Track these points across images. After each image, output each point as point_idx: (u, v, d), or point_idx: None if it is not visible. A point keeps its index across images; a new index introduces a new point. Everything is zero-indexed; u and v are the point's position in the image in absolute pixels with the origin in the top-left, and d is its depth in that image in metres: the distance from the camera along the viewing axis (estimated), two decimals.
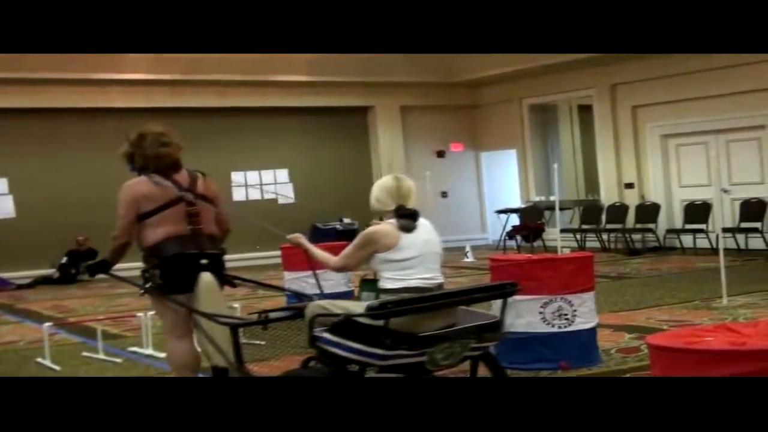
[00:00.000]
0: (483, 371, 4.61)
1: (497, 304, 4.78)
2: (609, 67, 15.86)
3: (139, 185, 5.19)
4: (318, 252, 4.95)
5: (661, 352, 2.97)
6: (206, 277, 5.01)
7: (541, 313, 6.13)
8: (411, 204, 4.55)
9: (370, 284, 4.56)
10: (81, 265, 14.58)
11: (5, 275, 14.99)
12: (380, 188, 4.63)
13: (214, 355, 4.88)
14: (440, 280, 4.57)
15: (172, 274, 5.03)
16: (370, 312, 4.08)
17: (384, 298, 4.36)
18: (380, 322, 4.05)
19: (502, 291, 4.50)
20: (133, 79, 15.76)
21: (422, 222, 4.60)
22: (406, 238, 4.45)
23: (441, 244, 4.66)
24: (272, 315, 4.96)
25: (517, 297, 6.06)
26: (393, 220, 4.51)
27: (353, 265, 4.66)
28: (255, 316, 5.00)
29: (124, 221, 5.15)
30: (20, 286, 14.73)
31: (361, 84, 17.59)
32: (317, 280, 5.55)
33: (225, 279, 5.31)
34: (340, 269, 4.74)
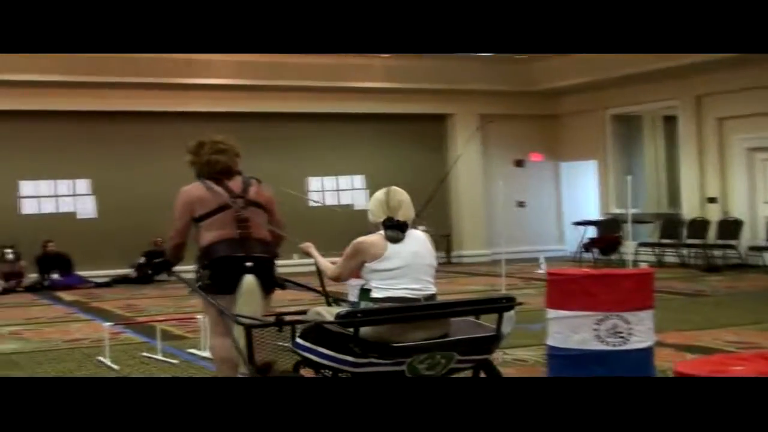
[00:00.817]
0: None
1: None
2: (694, 77, 15.39)
3: (193, 190, 5.43)
4: (321, 261, 5.16)
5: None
6: (249, 279, 5.11)
7: (595, 329, 5.94)
8: (401, 216, 4.68)
9: (368, 293, 4.64)
10: (151, 263, 14.95)
11: (85, 273, 15.40)
12: (373, 201, 4.84)
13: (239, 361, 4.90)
14: (431, 291, 4.64)
15: (219, 275, 5.19)
16: (338, 320, 4.25)
17: (365, 306, 4.52)
18: (350, 330, 4.19)
19: (493, 306, 4.58)
20: (217, 83, 16.03)
21: (414, 234, 4.71)
22: (392, 249, 4.57)
23: (435, 256, 4.75)
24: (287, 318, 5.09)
25: (571, 312, 5.98)
26: (382, 231, 4.65)
27: (346, 275, 4.84)
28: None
29: (178, 223, 5.43)
30: (98, 285, 15.11)
31: (440, 91, 17.49)
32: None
33: (273, 282, 5.36)
34: (335, 278, 4.90)
